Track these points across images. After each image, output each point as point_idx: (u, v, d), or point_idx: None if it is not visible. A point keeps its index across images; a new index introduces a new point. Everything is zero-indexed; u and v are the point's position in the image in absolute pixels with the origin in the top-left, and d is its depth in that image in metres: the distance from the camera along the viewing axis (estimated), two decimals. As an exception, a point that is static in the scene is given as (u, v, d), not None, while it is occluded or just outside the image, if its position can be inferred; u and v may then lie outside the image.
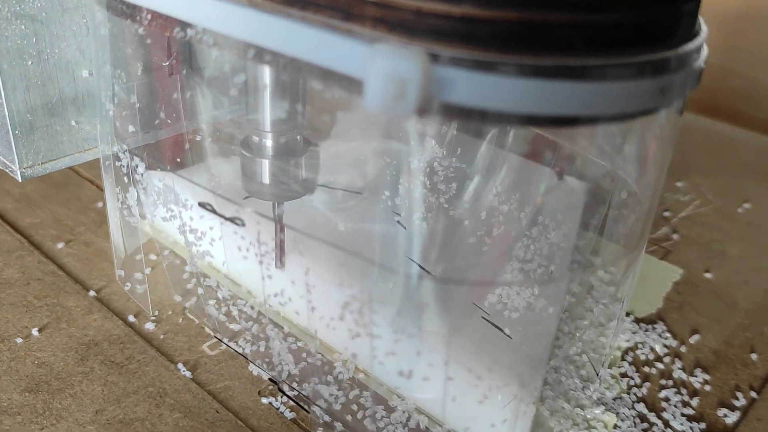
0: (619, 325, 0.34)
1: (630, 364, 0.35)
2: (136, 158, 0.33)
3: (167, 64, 0.35)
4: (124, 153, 0.33)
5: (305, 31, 0.20)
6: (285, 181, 0.33)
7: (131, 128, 0.34)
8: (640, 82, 0.20)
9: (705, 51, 0.23)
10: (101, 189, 0.46)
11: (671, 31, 0.21)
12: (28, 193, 0.45)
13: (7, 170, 0.33)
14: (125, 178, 0.34)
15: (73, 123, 0.34)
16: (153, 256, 0.40)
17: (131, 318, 0.35)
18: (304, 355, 0.34)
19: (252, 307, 0.36)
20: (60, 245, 0.40)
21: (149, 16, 0.25)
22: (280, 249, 0.34)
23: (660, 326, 0.37)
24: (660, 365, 0.35)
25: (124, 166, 0.34)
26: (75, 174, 0.48)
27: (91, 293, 0.37)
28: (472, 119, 0.19)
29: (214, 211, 0.31)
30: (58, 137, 0.33)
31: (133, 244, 0.37)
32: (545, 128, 0.35)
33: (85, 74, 0.34)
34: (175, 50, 0.35)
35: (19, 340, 0.33)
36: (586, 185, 0.40)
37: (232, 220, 0.30)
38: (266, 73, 0.30)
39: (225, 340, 0.34)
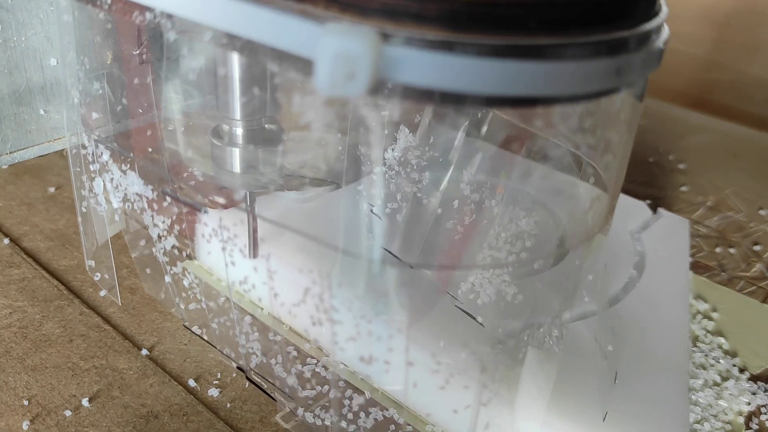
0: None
1: (757, 432, 0.31)
2: (101, 146, 0.32)
3: (137, 52, 0.33)
4: (90, 141, 0.32)
5: (258, 12, 0.20)
6: (258, 170, 0.33)
7: (95, 115, 0.33)
8: (596, 62, 0.19)
9: (665, 31, 0.22)
10: (143, 225, 0.42)
11: (629, 11, 0.21)
12: (61, 229, 0.41)
13: None
14: (91, 167, 0.33)
15: (41, 112, 0.33)
16: (221, 298, 0.36)
17: (192, 383, 0.31)
18: (392, 427, 0.30)
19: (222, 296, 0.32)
20: (103, 292, 0.36)
21: (109, 1, 0.25)
22: (254, 239, 0.34)
23: (780, 384, 0.34)
24: (789, 433, 0.31)
25: (90, 155, 0.33)
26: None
27: (144, 351, 0.33)
28: (427, 100, 0.19)
29: (177, 199, 0.32)
30: (26, 126, 0.33)
31: (102, 235, 0.36)
32: (503, 109, 0.35)
33: (53, 62, 0.33)
34: (145, 38, 0.33)
35: (68, 413, 0.29)
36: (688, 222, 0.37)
37: (194, 206, 0.32)
38: (232, 59, 0.30)
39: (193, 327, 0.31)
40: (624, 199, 0.38)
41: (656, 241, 0.37)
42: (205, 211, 0.34)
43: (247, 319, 0.35)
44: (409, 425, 0.30)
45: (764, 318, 0.38)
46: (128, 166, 0.32)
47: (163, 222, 0.32)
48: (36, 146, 0.33)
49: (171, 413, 0.30)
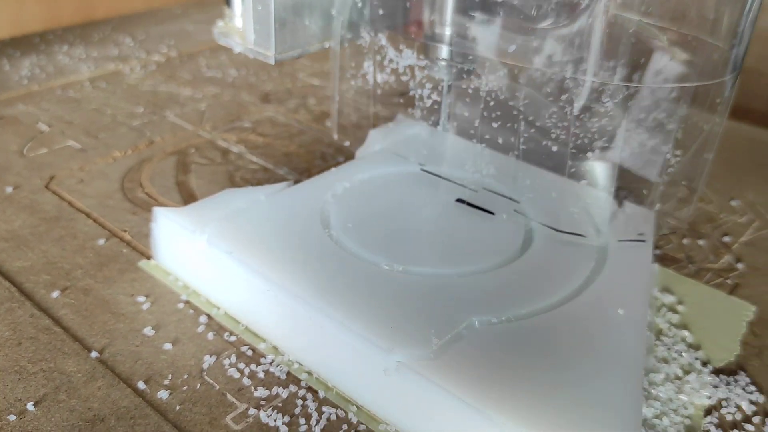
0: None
1: (717, 427, 0.30)
2: (380, 35, 0.40)
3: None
4: (369, 33, 0.40)
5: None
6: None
7: (381, 12, 0.40)
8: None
9: None
10: (99, 223, 0.41)
11: None
12: (16, 230, 0.40)
13: (260, 57, 0.38)
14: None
15: (306, 22, 0.38)
16: (180, 305, 0.35)
17: (141, 385, 0.31)
18: (344, 427, 0.29)
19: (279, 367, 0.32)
20: (55, 294, 0.35)
21: None
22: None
23: (743, 378, 0.33)
24: (750, 427, 0.30)
25: (365, 44, 0.41)
26: (68, 206, 0.43)
27: (93, 354, 0.32)
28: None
29: (471, 205, 0.38)
30: (297, 33, 0.38)
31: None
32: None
33: None
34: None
35: (12, 418, 0.29)
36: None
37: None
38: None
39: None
40: (590, 191, 0.37)
41: (620, 233, 0.37)
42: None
43: (203, 319, 0.34)
44: (363, 424, 0.29)
45: (730, 310, 0.37)
46: (404, 46, 0.40)
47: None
48: (299, 48, 0.39)
49: (118, 416, 0.29)
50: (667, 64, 0.34)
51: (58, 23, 0.71)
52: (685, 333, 0.35)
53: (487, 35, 0.36)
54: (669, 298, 0.38)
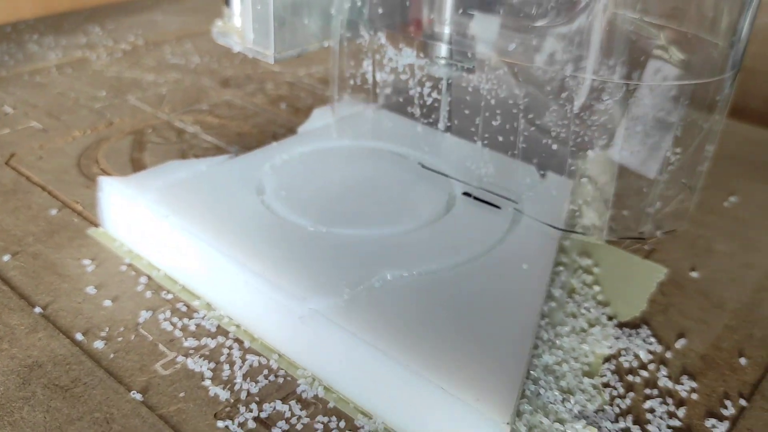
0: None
1: (613, 372, 0.33)
2: (379, 33, 0.41)
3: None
4: (368, 32, 0.41)
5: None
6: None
7: (380, 11, 0.41)
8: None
9: None
10: (53, 196, 0.43)
11: None
12: (-25, 200, 0.42)
13: (259, 56, 0.39)
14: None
15: (305, 21, 0.39)
16: (123, 267, 0.37)
17: (79, 336, 0.33)
18: (265, 372, 0.32)
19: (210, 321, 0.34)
20: (6, 257, 0.38)
21: None
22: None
23: (644, 331, 0.35)
24: (645, 373, 0.33)
25: (364, 42, 0.41)
26: (26, 180, 0.45)
27: (37, 310, 0.34)
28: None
29: (477, 199, 0.39)
30: (296, 32, 0.39)
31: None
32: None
33: None
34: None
35: (-45, 364, 0.31)
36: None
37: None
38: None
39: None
40: (514, 163, 0.40)
41: (539, 201, 0.39)
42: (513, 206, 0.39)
43: (143, 279, 0.37)
44: (282, 369, 0.32)
45: (643, 273, 0.40)
46: (404, 44, 0.40)
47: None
48: (298, 48, 0.40)
49: (54, 363, 0.31)
50: (662, 66, 0.34)
51: (31, 14, 0.74)
52: (597, 291, 0.38)
53: (486, 33, 0.37)
54: (586, 261, 0.40)
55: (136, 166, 0.47)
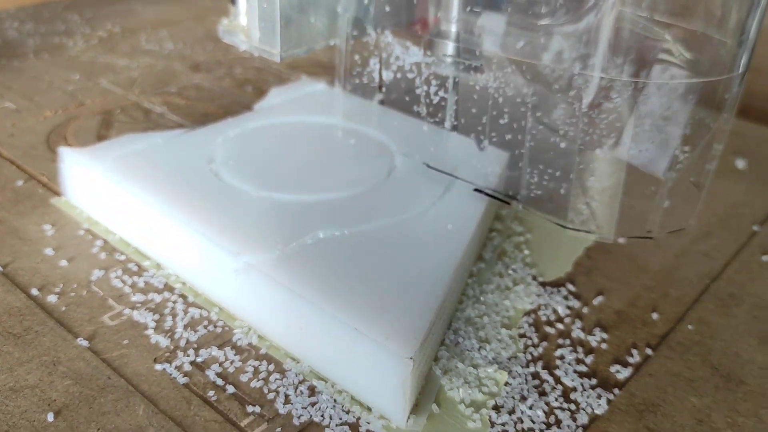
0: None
1: (530, 325, 0.35)
2: (387, 32, 0.41)
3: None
4: (376, 31, 0.40)
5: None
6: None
7: (387, 9, 0.40)
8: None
9: None
10: (21, 169, 0.46)
11: None
12: (-54, 173, 0.45)
13: (266, 55, 0.39)
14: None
15: (312, 20, 0.39)
16: (81, 232, 0.40)
17: (35, 291, 0.35)
18: (205, 323, 0.34)
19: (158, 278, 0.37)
20: (-29, 223, 0.40)
21: None
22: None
23: (566, 289, 0.38)
24: (560, 326, 0.35)
25: (370, 40, 0.41)
26: (-4, 154, 0.47)
27: (-3, 268, 0.37)
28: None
29: (489, 195, 0.39)
30: (302, 30, 0.39)
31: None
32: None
33: None
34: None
35: None
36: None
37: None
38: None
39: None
40: (453, 136, 0.42)
41: (477, 169, 0.41)
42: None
43: (99, 242, 0.39)
44: (222, 320, 0.34)
45: (573, 238, 0.42)
46: (411, 43, 0.40)
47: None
48: (305, 46, 0.39)
49: (10, 314, 0.34)
50: (670, 64, 0.34)
51: (13, 4, 0.76)
52: (526, 254, 0.40)
53: (494, 31, 0.37)
54: (519, 228, 0.42)
55: (102, 142, 0.49)
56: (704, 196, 0.38)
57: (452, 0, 0.38)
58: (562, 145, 0.37)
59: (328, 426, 0.29)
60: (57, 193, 0.43)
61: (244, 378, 0.31)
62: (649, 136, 0.36)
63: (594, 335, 0.35)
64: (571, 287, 0.38)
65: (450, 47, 0.39)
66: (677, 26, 0.34)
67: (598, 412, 0.30)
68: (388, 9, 0.40)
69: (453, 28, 0.39)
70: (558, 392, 0.31)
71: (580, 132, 0.36)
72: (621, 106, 0.34)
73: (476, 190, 0.40)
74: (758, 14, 0.33)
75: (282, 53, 0.38)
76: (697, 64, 0.34)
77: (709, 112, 0.35)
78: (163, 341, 0.33)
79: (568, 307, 0.36)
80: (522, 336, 0.34)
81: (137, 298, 0.35)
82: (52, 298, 0.35)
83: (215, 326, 0.34)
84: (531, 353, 0.33)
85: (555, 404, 0.31)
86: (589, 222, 0.37)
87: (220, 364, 0.32)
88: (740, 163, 0.52)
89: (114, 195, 0.39)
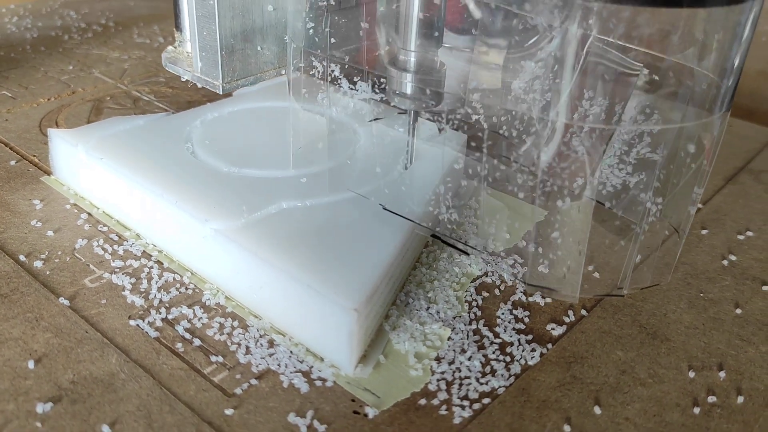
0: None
1: (476, 289, 0.38)
2: (333, 65, 0.38)
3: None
4: (322, 63, 0.38)
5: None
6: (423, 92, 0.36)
7: (333, 40, 0.38)
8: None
9: None
10: (14, 150, 0.49)
11: None
12: (-55, 155, 0.48)
13: (208, 86, 0.38)
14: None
15: (259, 48, 0.38)
16: (68, 206, 0.43)
17: (22, 257, 0.38)
18: (177, 285, 0.37)
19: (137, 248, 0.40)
20: (-33, 198, 0.43)
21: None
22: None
23: (513, 258, 0.41)
24: (505, 289, 0.38)
25: (317, 74, 0.38)
26: (-9, 137, 0.51)
27: (-12, 237, 0.40)
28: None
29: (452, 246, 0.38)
30: (248, 59, 0.38)
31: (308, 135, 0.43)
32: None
33: (270, 9, 0.39)
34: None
35: None
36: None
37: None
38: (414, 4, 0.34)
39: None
40: (425, 123, 0.45)
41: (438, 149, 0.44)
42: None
43: (84, 215, 0.42)
44: (193, 284, 0.37)
45: (527, 213, 0.45)
46: (359, 78, 0.38)
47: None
48: (252, 76, 0.39)
49: (-2, 277, 0.37)
50: (645, 102, 0.31)
51: (12, 0, 0.79)
52: (481, 223, 0.43)
53: (449, 67, 0.34)
54: (457, 202, 0.45)
55: (91, 127, 0.53)
56: (682, 246, 0.37)
57: (406, 32, 0.35)
58: (521, 195, 0.35)
59: (283, 373, 0.32)
60: (47, 172, 0.47)
61: (209, 332, 0.34)
62: (621, 182, 0.34)
63: (534, 298, 0.38)
64: (517, 257, 0.41)
65: (402, 84, 0.36)
66: (653, 61, 0.31)
67: (531, 363, 0.33)
68: (333, 40, 0.37)
69: (406, 64, 0.36)
70: (496, 346, 0.34)
71: (540, 184, 0.33)
72: (588, 151, 0.31)
73: (434, 236, 0.39)
74: (741, 51, 0.30)
75: (224, 85, 0.37)
76: (676, 103, 0.31)
77: (689, 154, 0.33)
78: (138, 301, 0.36)
79: (514, 275, 0.39)
80: (468, 300, 0.37)
81: (117, 264, 0.38)
82: (38, 264, 0.38)
83: (187, 288, 0.37)
84: (474, 313, 0.36)
85: (492, 356, 0.34)
86: (550, 279, 0.35)
87: (189, 321, 0.35)
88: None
89: (97, 171, 0.42)
